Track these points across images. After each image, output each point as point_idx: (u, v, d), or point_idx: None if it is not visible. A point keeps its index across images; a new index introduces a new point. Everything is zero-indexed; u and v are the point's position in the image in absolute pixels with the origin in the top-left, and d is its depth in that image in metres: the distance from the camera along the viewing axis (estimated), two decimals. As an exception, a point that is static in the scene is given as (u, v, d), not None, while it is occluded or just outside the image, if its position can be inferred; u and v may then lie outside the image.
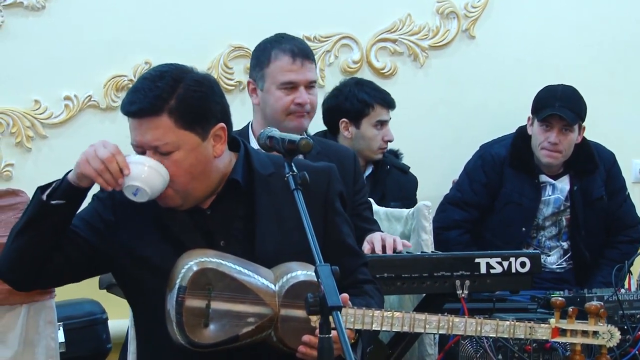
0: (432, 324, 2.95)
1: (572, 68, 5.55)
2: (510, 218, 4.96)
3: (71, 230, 2.86)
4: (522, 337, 3.09)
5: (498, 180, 5.01)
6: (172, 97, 2.79)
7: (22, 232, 2.82)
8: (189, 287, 2.70)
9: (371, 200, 4.20)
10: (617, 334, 3.12)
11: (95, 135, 4.94)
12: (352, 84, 4.90)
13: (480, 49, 5.55)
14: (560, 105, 4.84)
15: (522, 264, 3.75)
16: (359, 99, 4.83)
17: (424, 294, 3.85)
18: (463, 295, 3.67)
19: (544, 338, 3.11)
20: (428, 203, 4.09)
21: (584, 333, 3.13)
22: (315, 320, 2.64)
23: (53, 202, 2.76)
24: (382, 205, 4.44)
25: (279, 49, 3.92)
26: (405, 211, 4.23)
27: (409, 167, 5.09)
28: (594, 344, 3.19)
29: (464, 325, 3.00)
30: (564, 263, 5.05)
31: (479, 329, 3.01)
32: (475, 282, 3.72)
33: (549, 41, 5.61)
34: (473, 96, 5.53)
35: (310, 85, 3.94)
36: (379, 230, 3.94)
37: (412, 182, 5.07)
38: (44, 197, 2.77)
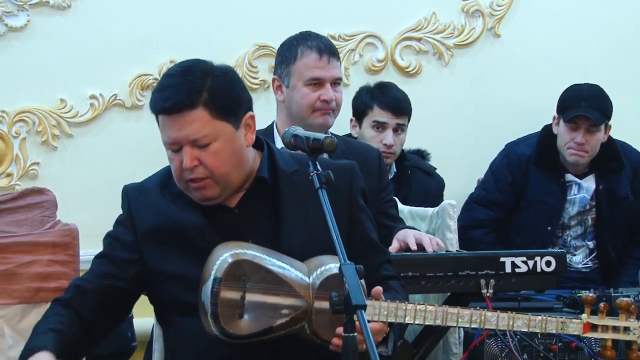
0: (465, 318, 2.95)
1: (598, 66, 5.52)
2: (536, 217, 4.94)
3: (112, 285, 2.92)
4: (554, 332, 3.08)
5: (523, 179, 5.00)
6: (204, 89, 2.80)
7: None
8: (224, 279, 2.71)
9: (395, 198, 4.19)
10: None
11: (120, 133, 4.97)
12: (371, 85, 4.88)
13: (505, 48, 5.53)
14: (586, 105, 4.81)
15: (548, 263, 3.73)
16: (362, 98, 4.82)
17: (449, 293, 3.84)
18: (488, 295, 3.66)
19: (576, 333, 3.10)
20: (453, 202, 4.08)
21: (615, 329, 3.13)
22: None
23: None
24: (405, 206, 4.44)
25: (306, 45, 3.94)
26: (429, 210, 4.22)
27: (435, 169, 5.05)
28: (624, 339, 3.18)
29: (496, 320, 2.99)
30: (589, 262, 5.03)
31: (511, 323, 3.01)
32: (501, 281, 3.71)
33: (574, 39, 5.58)
34: (498, 95, 5.51)
35: (336, 82, 3.96)
36: (405, 228, 3.94)
37: (438, 185, 5.02)
38: None
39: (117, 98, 5.00)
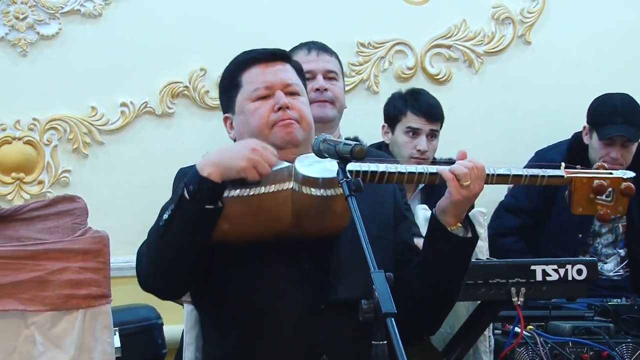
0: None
1: (629, 73, 5.49)
2: (566, 225, 4.92)
3: None
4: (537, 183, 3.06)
5: (554, 187, 4.97)
6: (290, 57, 3.08)
7: (179, 241, 2.77)
8: None
9: (425, 206, 4.19)
10: None
11: (150, 141, 4.99)
12: (403, 91, 4.87)
13: (536, 55, 5.52)
14: (621, 121, 4.79)
15: (579, 272, 3.71)
16: (394, 104, 4.81)
17: (479, 301, 3.83)
18: (518, 303, 3.64)
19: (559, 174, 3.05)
20: (483, 209, 4.07)
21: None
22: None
23: (210, 207, 2.73)
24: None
25: (296, 48, 4.16)
26: (459, 217, 4.20)
27: (465, 177, 5.03)
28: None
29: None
30: (621, 270, 5.00)
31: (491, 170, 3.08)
32: (531, 290, 3.69)
33: (605, 46, 5.56)
34: (528, 102, 5.49)
35: (328, 75, 4.06)
36: (419, 234, 3.95)
37: None
38: (192, 200, 2.72)
39: (148, 106, 5.02)
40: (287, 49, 5.06)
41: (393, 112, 4.79)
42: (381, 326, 2.36)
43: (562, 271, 3.70)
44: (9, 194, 4.86)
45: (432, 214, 2.94)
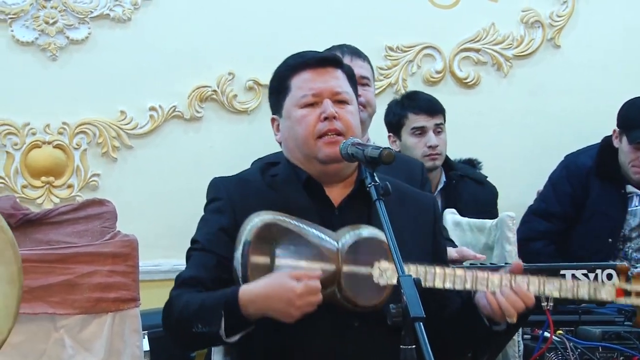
0: (495, 282, 2.90)
1: (659, 76, 5.47)
2: (596, 229, 4.89)
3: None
4: (586, 297, 3.02)
5: (583, 191, 4.95)
6: (342, 61, 3.04)
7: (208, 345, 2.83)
8: (253, 242, 2.72)
9: (454, 210, 4.17)
10: None
11: (179, 145, 5.00)
12: (397, 98, 4.89)
13: (565, 58, 5.50)
14: None
15: (609, 276, 3.68)
16: (394, 111, 4.81)
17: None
18: (548, 307, 3.61)
19: (609, 299, 3.04)
20: (512, 214, 4.05)
21: None
22: (377, 276, 2.69)
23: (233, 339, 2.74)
24: (456, 220, 4.42)
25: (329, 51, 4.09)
26: (488, 222, 4.19)
27: (486, 177, 5.01)
28: None
29: (526, 284, 2.94)
30: (651, 275, 4.96)
31: (542, 288, 2.96)
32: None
33: (635, 49, 5.53)
34: (558, 106, 5.47)
35: (361, 81, 4.03)
36: (450, 244, 3.96)
37: (490, 193, 4.97)
38: (222, 333, 2.71)
39: (176, 110, 5.03)
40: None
41: (394, 119, 4.79)
42: (409, 330, 2.35)
43: (592, 276, 3.67)
44: (38, 197, 4.88)
45: (471, 300, 2.89)
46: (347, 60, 4.05)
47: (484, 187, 4.97)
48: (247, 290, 2.68)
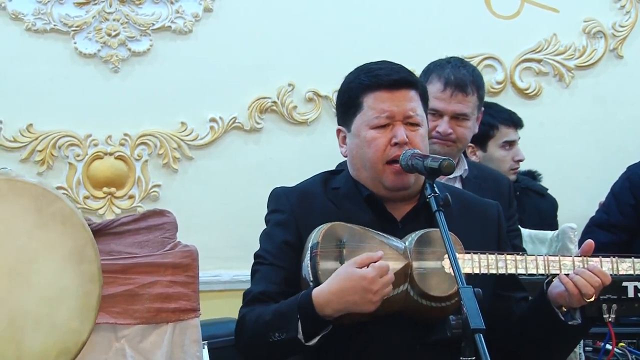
0: (567, 266, 2.88)
1: None
2: (660, 241, 4.84)
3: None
4: None
5: (647, 202, 4.90)
6: (417, 78, 2.97)
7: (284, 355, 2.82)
8: (321, 242, 2.74)
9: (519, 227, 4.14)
10: None
11: (239, 156, 5.02)
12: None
13: (628, 69, 5.45)
14: None
15: (672, 287, 3.64)
16: (482, 122, 4.75)
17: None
18: (610, 320, 3.58)
19: None
20: (573, 225, 4.02)
21: None
22: (448, 267, 2.69)
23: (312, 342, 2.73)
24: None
25: (433, 72, 3.98)
26: (549, 233, 4.16)
27: (547, 189, 4.99)
28: None
29: (598, 265, 2.91)
30: None
31: (615, 266, 2.93)
32: (623, 306, 3.61)
33: (700, 59, 5.47)
34: (620, 116, 5.42)
35: (457, 116, 3.92)
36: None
37: (551, 205, 4.95)
38: (301, 337, 2.72)
39: (237, 121, 5.05)
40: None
41: (482, 130, 4.69)
42: (470, 342, 2.34)
43: (655, 285, 3.63)
44: (100, 208, 4.93)
45: (544, 295, 2.88)
46: (447, 94, 3.86)
47: (545, 199, 4.95)
48: (320, 292, 2.69)
